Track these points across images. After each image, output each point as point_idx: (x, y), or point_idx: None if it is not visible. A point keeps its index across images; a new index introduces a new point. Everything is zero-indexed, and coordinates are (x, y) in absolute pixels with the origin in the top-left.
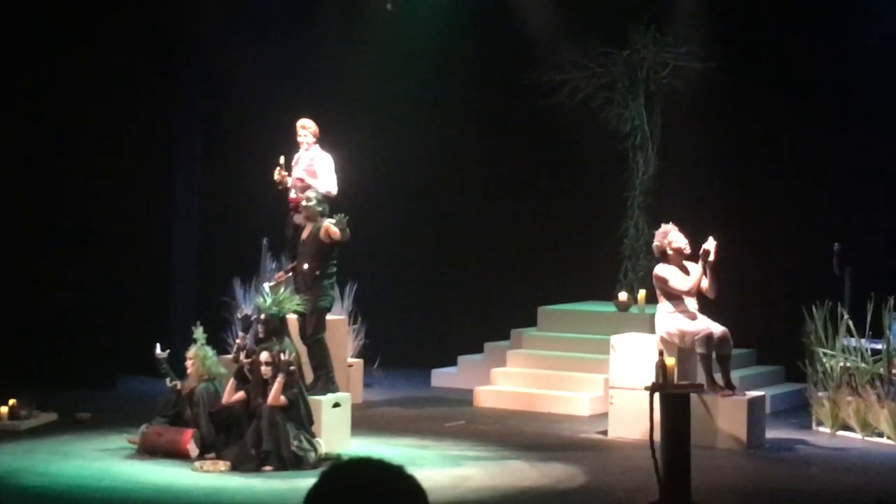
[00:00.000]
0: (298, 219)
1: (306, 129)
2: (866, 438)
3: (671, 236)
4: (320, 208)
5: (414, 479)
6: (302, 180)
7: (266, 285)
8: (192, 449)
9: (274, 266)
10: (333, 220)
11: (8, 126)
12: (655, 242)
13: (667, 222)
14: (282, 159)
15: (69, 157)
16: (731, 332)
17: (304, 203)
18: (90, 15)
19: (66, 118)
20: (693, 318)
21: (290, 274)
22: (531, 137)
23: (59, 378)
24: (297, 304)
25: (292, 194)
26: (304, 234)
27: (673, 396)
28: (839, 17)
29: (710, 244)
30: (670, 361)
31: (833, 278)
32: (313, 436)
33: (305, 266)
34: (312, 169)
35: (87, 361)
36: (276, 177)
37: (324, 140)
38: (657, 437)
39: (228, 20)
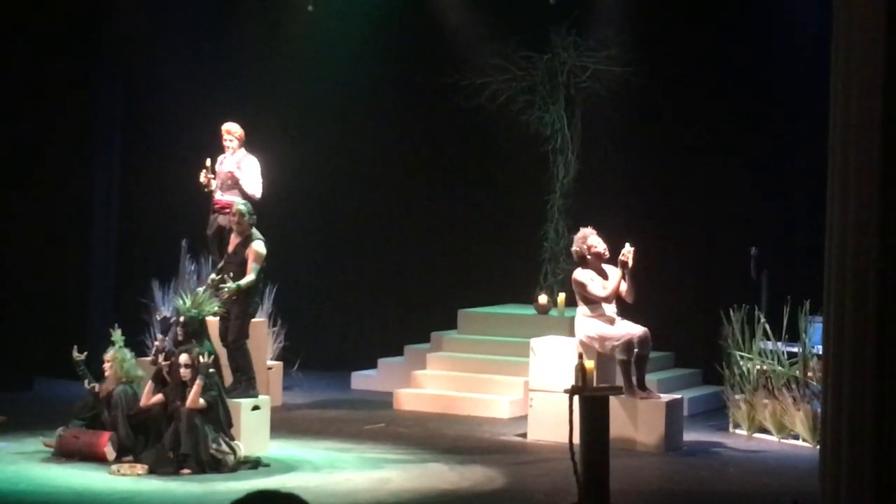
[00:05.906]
0: (223, 220)
1: (232, 133)
2: (782, 440)
3: (590, 240)
4: (252, 221)
5: None
6: (232, 174)
7: (210, 278)
8: (110, 452)
9: (193, 268)
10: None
11: None
12: (574, 247)
13: (585, 226)
14: (208, 161)
15: None
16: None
17: (236, 217)
18: (9, 15)
19: None
20: (612, 322)
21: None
22: (452, 140)
23: None
24: (217, 307)
25: (217, 196)
26: (232, 244)
27: (592, 399)
28: (758, 21)
29: (627, 251)
30: (589, 364)
31: (750, 282)
32: (232, 438)
33: (231, 274)
34: (240, 169)
35: (3, 363)
36: (203, 179)
37: (245, 142)
38: (576, 439)
39: (150, 21)
